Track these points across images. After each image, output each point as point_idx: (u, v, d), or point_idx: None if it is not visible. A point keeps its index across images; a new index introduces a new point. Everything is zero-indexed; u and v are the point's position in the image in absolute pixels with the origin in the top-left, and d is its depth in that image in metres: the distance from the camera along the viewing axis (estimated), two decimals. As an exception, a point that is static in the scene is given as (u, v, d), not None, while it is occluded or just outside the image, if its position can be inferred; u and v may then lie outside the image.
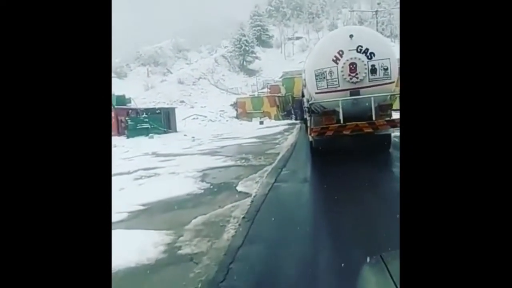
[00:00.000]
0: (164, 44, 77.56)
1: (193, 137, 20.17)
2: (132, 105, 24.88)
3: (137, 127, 21.89)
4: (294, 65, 43.78)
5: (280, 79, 43.61)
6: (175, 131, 25.95)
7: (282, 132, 19.18)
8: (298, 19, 78.84)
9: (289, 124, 26.19)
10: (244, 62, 60.05)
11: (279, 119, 34.32)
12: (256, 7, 72.79)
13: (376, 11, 23.42)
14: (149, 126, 22.66)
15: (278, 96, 37.92)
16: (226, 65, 59.60)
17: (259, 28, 69.50)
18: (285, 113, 36.37)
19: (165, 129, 24.43)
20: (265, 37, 70.31)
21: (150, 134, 21.00)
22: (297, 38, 70.57)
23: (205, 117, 35.83)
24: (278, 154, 9.86)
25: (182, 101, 46.89)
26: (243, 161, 9.03)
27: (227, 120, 35.64)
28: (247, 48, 58.85)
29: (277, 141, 14.10)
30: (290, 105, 35.29)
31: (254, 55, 60.44)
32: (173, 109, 28.07)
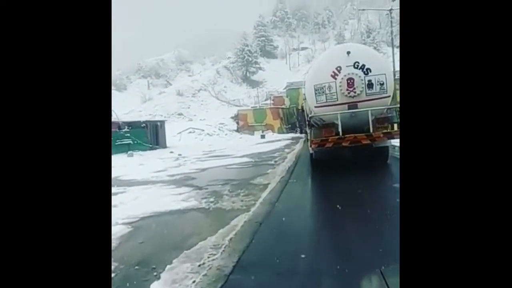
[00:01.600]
0: (166, 56, 75.57)
1: (179, 155, 17.32)
2: (114, 118, 21.97)
3: (117, 143, 18.95)
4: (299, 76, 41.07)
5: (285, 90, 40.96)
6: (164, 146, 22.99)
7: (282, 149, 16.22)
8: (303, 30, 76.58)
9: (292, 139, 23.36)
10: (247, 73, 57.40)
11: (282, 132, 31.69)
12: (261, 17, 70.73)
13: (391, 10, 20.55)
14: (131, 142, 19.77)
15: (282, 108, 35.27)
16: (228, 76, 57.01)
17: (263, 38, 67.21)
18: (289, 126, 33.80)
19: (151, 145, 21.50)
20: (270, 48, 67.94)
21: (129, 152, 18.06)
22: (303, 48, 68.19)
23: (202, 130, 32.85)
24: (267, 186, 6.80)
25: (180, 114, 44.20)
26: (212, 200, 5.96)
27: (226, 134, 32.72)
28: (250, 59, 56.19)
29: (272, 162, 11.08)
30: (295, 118, 32.58)
31: (257, 65, 57.79)
32: (162, 122, 25.16)
